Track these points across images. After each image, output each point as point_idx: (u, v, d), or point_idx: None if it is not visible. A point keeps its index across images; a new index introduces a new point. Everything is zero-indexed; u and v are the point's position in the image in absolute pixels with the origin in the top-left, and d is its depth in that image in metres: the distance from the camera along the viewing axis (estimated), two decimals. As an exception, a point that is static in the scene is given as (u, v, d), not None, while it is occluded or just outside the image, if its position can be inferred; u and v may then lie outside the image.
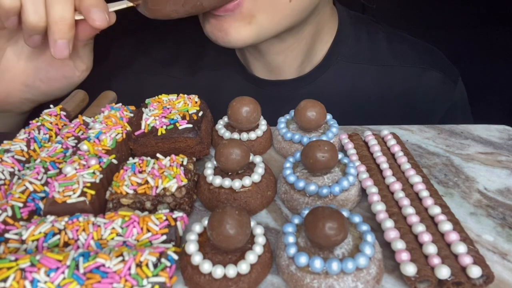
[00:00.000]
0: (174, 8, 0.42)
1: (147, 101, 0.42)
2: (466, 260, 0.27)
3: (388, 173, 0.35)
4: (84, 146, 0.35)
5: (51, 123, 0.41)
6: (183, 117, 0.38)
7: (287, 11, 0.46)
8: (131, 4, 0.43)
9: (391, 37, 0.61)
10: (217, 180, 0.34)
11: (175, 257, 0.26)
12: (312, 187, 0.32)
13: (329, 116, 0.42)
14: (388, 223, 0.30)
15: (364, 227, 0.29)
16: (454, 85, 0.60)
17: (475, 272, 0.26)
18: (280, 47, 0.55)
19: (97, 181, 0.33)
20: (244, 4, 0.44)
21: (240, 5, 0.44)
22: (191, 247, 0.28)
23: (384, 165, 0.36)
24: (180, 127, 0.37)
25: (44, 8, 0.38)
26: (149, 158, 0.35)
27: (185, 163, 0.35)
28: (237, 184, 0.33)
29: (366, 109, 0.58)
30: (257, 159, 0.36)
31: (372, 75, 0.59)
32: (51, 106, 0.44)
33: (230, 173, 0.34)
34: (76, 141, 0.39)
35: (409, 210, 0.31)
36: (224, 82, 0.61)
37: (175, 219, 0.30)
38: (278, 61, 0.57)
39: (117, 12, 0.43)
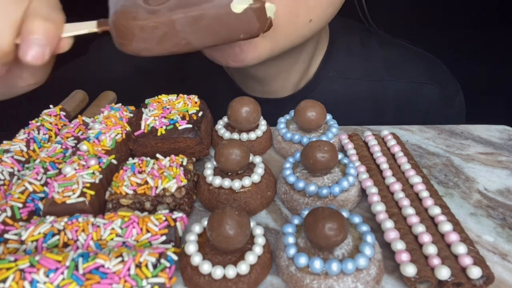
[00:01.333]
0: (145, 46, 0.33)
1: (146, 101, 0.42)
2: (466, 260, 0.27)
3: (388, 173, 0.35)
4: (84, 146, 0.35)
5: (50, 123, 0.41)
6: (183, 117, 0.38)
7: (306, 30, 0.44)
8: (95, 30, 0.34)
9: (386, 49, 0.59)
10: (217, 181, 0.33)
11: (175, 257, 0.26)
12: (312, 188, 0.32)
13: (329, 116, 0.42)
14: (388, 224, 0.30)
15: (364, 228, 0.28)
16: (451, 102, 0.59)
17: (475, 272, 0.26)
18: (278, 69, 0.53)
19: (97, 181, 0.32)
20: None
21: None
22: (191, 248, 0.28)
23: (384, 166, 0.36)
24: (179, 127, 0.37)
25: None
26: (148, 159, 0.35)
27: (184, 163, 0.35)
28: (236, 184, 0.33)
29: (358, 122, 0.57)
30: (257, 159, 0.36)
31: (365, 89, 0.57)
32: (51, 106, 0.44)
33: (229, 174, 0.34)
34: (75, 141, 0.39)
35: (409, 211, 0.31)
36: (211, 94, 0.60)
37: (175, 220, 0.30)
38: (274, 84, 0.56)
39: None
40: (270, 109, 0.56)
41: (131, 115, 0.42)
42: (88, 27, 0.34)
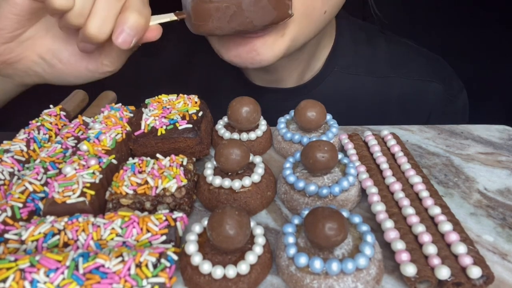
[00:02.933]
0: (218, 25, 0.40)
1: (147, 101, 0.42)
2: (466, 260, 0.27)
3: (388, 173, 0.35)
4: (84, 146, 0.35)
5: (50, 123, 0.41)
6: (183, 117, 0.38)
7: (320, 22, 0.46)
8: (175, 18, 0.41)
9: (392, 47, 0.60)
10: (217, 181, 0.33)
11: (175, 257, 0.26)
12: (312, 188, 0.32)
13: (329, 116, 0.42)
14: (388, 224, 0.30)
15: (364, 228, 0.28)
16: (455, 100, 0.60)
17: (475, 272, 0.26)
18: (285, 60, 0.53)
19: (97, 181, 0.32)
20: None
21: None
22: (191, 248, 0.28)
23: (384, 165, 0.36)
24: (180, 127, 0.37)
25: (111, 22, 0.36)
26: (149, 158, 0.35)
27: (185, 163, 0.35)
28: (237, 184, 0.33)
29: (362, 118, 0.58)
30: (257, 159, 0.36)
31: (370, 86, 0.58)
32: (51, 106, 0.44)
33: (230, 174, 0.34)
34: (75, 141, 0.39)
35: (409, 211, 0.31)
36: (218, 85, 0.60)
37: (175, 220, 0.30)
38: (280, 74, 0.57)
39: None
40: (275, 98, 0.58)
41: (131, 115, 0.42)
42: (169, 17, 0.41)
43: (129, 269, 0.25)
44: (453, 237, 0.28)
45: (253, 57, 0.44)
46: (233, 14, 0.39)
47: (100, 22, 0.36)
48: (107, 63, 0.43)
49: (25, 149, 0.37)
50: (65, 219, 0.29)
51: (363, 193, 0.35)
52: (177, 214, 0.30)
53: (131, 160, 0.35)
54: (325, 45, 0.58)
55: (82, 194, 0.31)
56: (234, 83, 0.60)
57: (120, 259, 0.25)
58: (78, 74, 0.44)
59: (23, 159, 0.36)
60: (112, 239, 0.28)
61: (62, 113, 0.43)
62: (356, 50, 0.59)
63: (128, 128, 0.39)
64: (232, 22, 0.40)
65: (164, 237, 0.29)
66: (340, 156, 0.35)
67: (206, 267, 0.26)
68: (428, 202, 0.32)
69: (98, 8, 0.36)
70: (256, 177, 0.34)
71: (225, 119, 0.43)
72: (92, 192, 0.31)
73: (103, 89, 0.53)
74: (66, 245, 0.28)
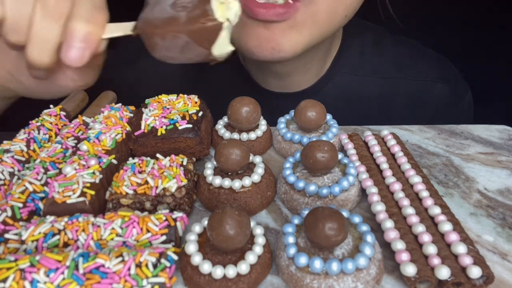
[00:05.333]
0: (167, 54, 0.34)
1: (147, 101, 0.42)
2: (466, 260, 0.27)
3: (388, 173, 0.35)
4: (84, 146, 0.35)
5: (51, 123, 0.41)
6: (183, 117, 0.38)
7: (340, 23, 0.46)
8: (130, 33, 0.34)
9: (398, 48, 0.60)
10: (217, 180, 0.33)
11: (175, 257, 0.26)
12: (312, 188, 0.32)
13: (329, 116, 0.42)
14: (388, 224, 0.30)
15: (364, 228, 0.29)
16: (461, 101, 0.60)
17: (475, 272, 0.26)
18: (297, 65, 0.54)
19: (97, 181, 0.32)
20: (299, 12, 0.41)
21: (296, 11, 0.41)
22: (191, 248, 0.28)
23: (384, 165, 0.36)
24: (180, 127, 0.37)
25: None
26: (149, 158, 0.35)
27: (185, 163, 0.35)
28: (237, 184, 0.33)
29: (368, 119, 0.58)
30: (257, 159, 0.36)
31: (376, 86, 0.58)
32: (51, 106, 0.44)
33: (230, 173, 0.34)
34: (76, 141, 0.39)
35: (409, 211, 0.31)
36: (225, 88, 0.60)
37: (175, 220, 0.30)
38: (292, 80, 0.57)
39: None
40: (281, 100, 0.58)
41: (131, 115, 0.42)
42: (124, 29, 0.34)
43: (129, 269, 0.25)
44: (453, 237, 0.28)
45: (273, 48, 0.43)
46: (185, 44, 0.33)
47: (38, 41, 0.31)
48: (76, 78, 0.39)
49: (25, 149, 0.37)
50: (65, 219, 0.29)
51: (363, 193, 0.35)
52: (177, 214, 0.30)
53: (131, 160, 0.35)
54: (333, 49, 0.58)
55: (82, 194, 0.31)
56: (244, 89, 0.60)
57: (120, 259, 0.25)
58: (48, 91, 0.42)
59: (23, 159, 0.36)
60: (112, 239, 0.28)
61: (62, 113, 0.43)
62: (362, 51, 0.59)
63: (128, 128, 0.39)
64: (187, 53, 0.34)
65: (164, 237, 0.29)
66: (340, 156, 0.35)
67: (206, 267, 0.26)
68: (428, 202, 0.32)
69: (34, 23, 0.31)
70: (256, 177, 0.34)
71: (225, 119, 0.43)
72: (92, 192, 0.31)
73: (103, 89, 0.53)
74: (66, 245, 0.28)
